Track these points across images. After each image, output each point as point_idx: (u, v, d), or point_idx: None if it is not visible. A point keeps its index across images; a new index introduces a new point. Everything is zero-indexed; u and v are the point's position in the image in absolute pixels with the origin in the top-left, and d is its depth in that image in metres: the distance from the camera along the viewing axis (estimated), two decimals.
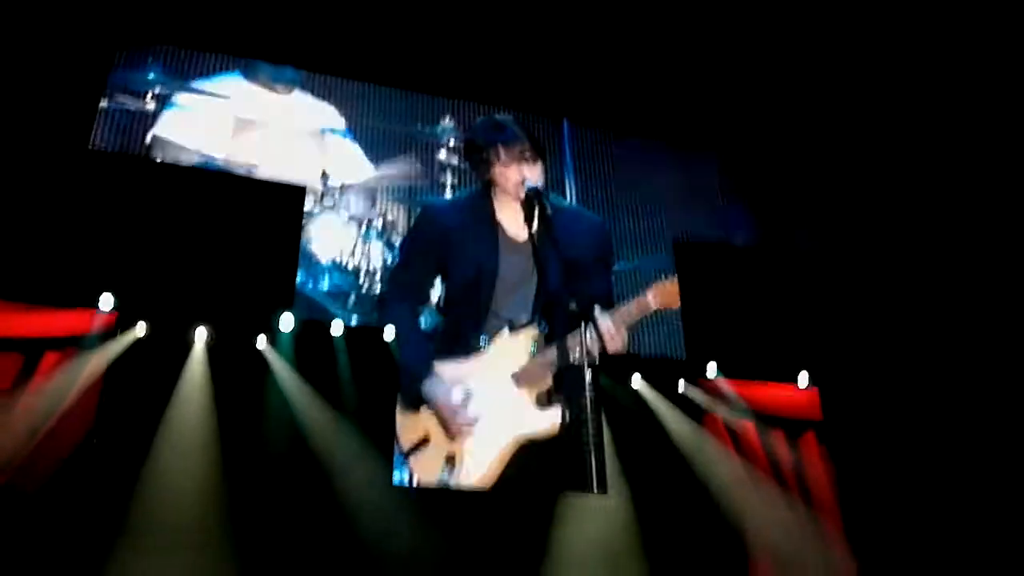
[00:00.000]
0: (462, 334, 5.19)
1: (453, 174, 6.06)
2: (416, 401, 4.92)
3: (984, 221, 6.09)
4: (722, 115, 6.59)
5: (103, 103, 5.42)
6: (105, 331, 4.59)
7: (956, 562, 5.07)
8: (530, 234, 5.29)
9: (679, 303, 5.00)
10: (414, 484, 4.84)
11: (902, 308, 5.95)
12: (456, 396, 4.83)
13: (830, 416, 5.59)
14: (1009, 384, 5.61)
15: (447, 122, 6.19)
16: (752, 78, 6.38)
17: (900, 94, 6.18)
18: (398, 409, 4.93)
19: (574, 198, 6.07)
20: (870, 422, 5.57)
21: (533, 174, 5.36)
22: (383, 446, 4.85)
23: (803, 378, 5.65)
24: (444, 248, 5.35)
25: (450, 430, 4.83)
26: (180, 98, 5.64)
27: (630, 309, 4.96)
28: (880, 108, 6.28)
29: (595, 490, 4.70)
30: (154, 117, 5.52)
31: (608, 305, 5.25)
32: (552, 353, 4.93)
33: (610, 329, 4.81)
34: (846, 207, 6.43)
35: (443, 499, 4.84)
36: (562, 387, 5.11)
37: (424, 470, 4.80)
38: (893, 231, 6.26)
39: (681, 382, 5.57)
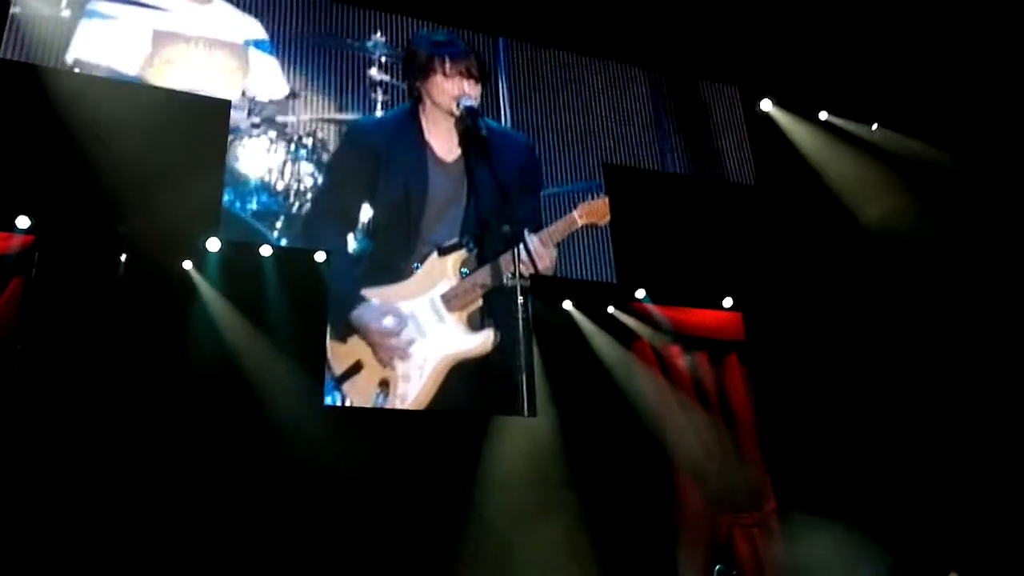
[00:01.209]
0: (391, 258, 5.18)
1: (384, 91, 5.90)
2: (346, 329, 4.93)
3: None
4: (659, 36, 6.52)
5: (14, 8, 5.09)
6: (21, 252, 4.43)
7: (865, 479, 5.37)
8: (461, 155, 5.27)
9: (607, 219, 5.11)
10: (341, 406, 4.88)
11: (821, 235, 6.11)
12: (388, 322, 4.86)
13: (752, 338, 5.78)
14: (925, 304, 5.86)
15: (378, 37, 5.99)
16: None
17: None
18: (329, 336, 4.93)
19: (508, 120, 6.00)
20: (790, 344, 5.78)
21: (473, 92, 5.32)
22: (314, 368, 4.85)
23: (727, 302, 5.81)
24: (372, 169, 5.28)
25: (383, 356, 4.87)
26: (97, 6, 5.33)
27: (557, 227, 5.06)
28: (816, 37, 6.30)
29: (525, 412, 4.85)
30: (70, 25, 5.21)
31: (537, 227, 5.29)
32: (482, 275, 4.98)
33: (538, 248, 4.91)
34: (773, 136, 6.49)
35: (376, 420, 4.90)
36: (493, 310, 5.19)
37: (358, 395, 4.85)
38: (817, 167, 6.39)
39: (610, 307, 5.67)
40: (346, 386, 4.91)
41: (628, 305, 5.67)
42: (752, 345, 5.78)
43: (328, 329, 4.94)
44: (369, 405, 4.90)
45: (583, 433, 5.22)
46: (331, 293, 4.96)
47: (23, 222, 4.46)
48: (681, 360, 5.59)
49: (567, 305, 5.63)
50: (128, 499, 4.35)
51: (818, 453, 5.43)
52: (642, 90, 6.59)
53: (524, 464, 5.02)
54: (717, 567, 4.66)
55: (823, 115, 6.67)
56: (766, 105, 6.65)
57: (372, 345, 4.89)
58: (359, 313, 4.91)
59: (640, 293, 5.66)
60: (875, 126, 6.55)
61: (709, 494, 5.30)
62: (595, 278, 5.86)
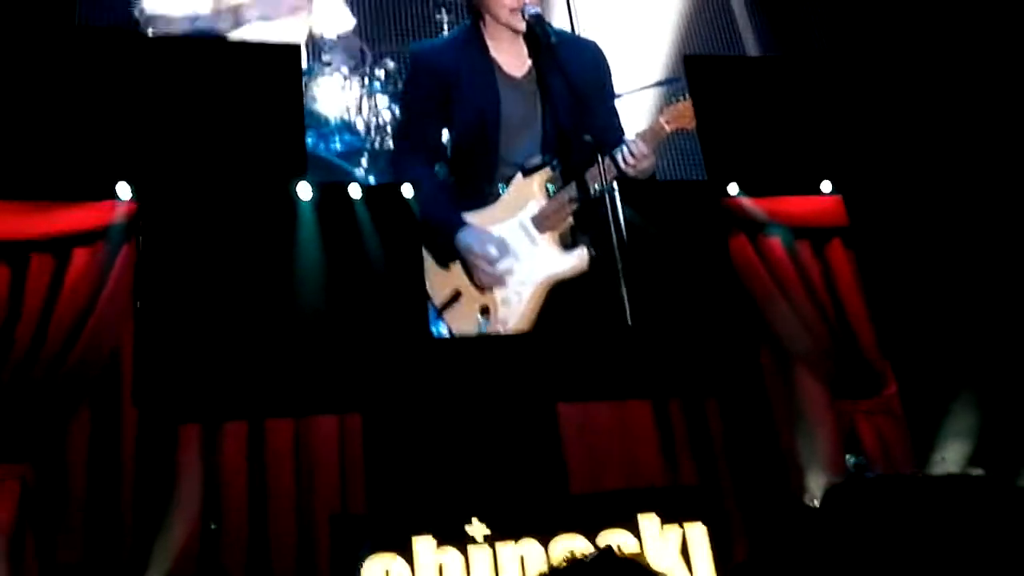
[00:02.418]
0: (475, 184, 5.14)
1: (448, 11, 5.78)
2: (447, 255, 4.96)
3: None
4: None
5: None
6: (128, 220, 4.58)
7: (988, 356, 5.21)
8: (531, 68, 5.11)
9: (694, 123, 4.93)
10: (452, 336, 4.97)
11: (923, 108, 5.78)
12: (491, 248, 4.86)
13: (856, 221, 5.59)
14: None
15: None
16: None
17: None
18: (429, 266, 4.98)
19: (574, 23, 5.80)
20: (898, 223, 5.56)
21: (533, 0, 5.13)
22: (416, 302, 4.93)
23: (826, 186, 5.61)
24: (443, 93, 5.19)
25: (482, 281, 4.89)
26: None
27: (644, 136, 4.89)
28: None
29: (630, 322, 4.83)
30: None
31: (617, 132, 5.15)
32: (570, 191, 4.90)
33: (642, 150, 4.72)
34: (869, 6, 6.11)
35: (483, 347, 4.98)
36: (585, 225, 5.12)
37: (460, 323, 4.91)
38: (913, 29, 5.99)
39: (703, 206, 5.55)
40: (447, 315, 4.97)
41: (721, 201, 5.51)
42: (856, 228, 5.57)
43: (427, 261, 4.98)
44: (473, 332, 4.95)
45: (689, 339, 5.18)
46: (428, 224, 4.98)
47: (124, 190, 4.59)
48: (782, 251, 5.44)
49: (657, 208, 5.51)
50: (246, 445, 4.60)
51: (937, 334, 5.27)
52: None
53: (634, 375, 5.04)
54: (849, 457, 4.61)
55: None
56: None
57: (473, 272, 4.90)
58: (463, 238, 4.91)
59: (733, 188, 5.49)
60: None
61: (827, 382, 5.22)
62: (683, 177, 5.74)
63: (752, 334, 5.35)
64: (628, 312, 4.83)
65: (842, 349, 5.26)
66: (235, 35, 5.43)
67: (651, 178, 5.24)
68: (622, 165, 4.56)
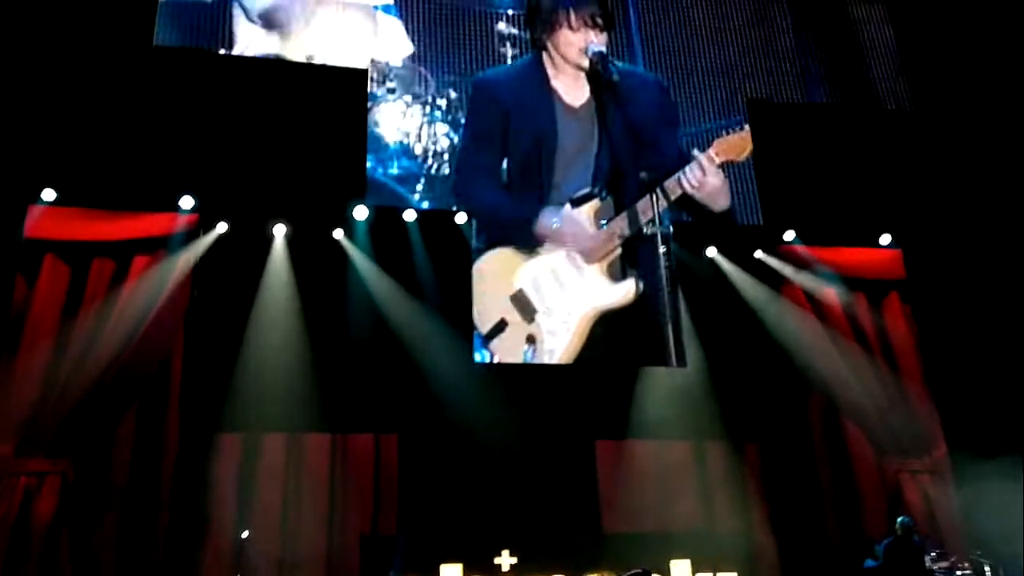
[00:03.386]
0: (528, 210, 5.18)
1: (513, 45, 5.85)
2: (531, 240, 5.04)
3: None
4: None
5: None
6: (189, 231, 4.73)
7: None
8: (590, 99, 5.17)
9: (745, 154, 4.88)
10: (490, 362, 4.98)
11: (984, 165, 5.64)
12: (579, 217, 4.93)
13: (914, 276, 5.46)
14: None
15: None
16: None
17: None
18: (477, 293, 5.01)
19: (641, 61, 5.83)
20: (956, 280, 5.41)
21: (600, 41, 5.20)
22: (463, 326, 4.96)
23: (885, 239, 5.49)
24: (503, 121, 5.27)
25: (574, 247, 4.92)
26: None
27: (692, 168, 4.85)
28: None
29: (674, 363, 4.79)
30: (213, 9, 5.43)
31: (680, 164, 5.13)
32: (620, 223, 4.91)
33: (698, 174, 4.67)
34: (933, 58, 6.01)
35: (526, 374, 4.98)
36: (634, 258, 5.11)
37: (506, 352, 4.92)
38: (980, 84, 5.87)
39: (758, 251, 5.48)
40: (493, 343, 4.98)
41: (777, 248, 5.44)
42: (914, 283, 5.44)
43: (476, 290, 5.02)
44: (518, 361, 4.96)
45: (735, 383, 5.11)
46: (504, 217, 5.08)
47: (187, 202, 4.74)
48: (837, 302, 5.34)
49: (711, 252, 5.47)
50: (296, 454, 4.67)
51: (990, 395, 5.09)
52: (781, 18, 6.25)
53: (676, 415, 4.98)
54: (900, 519, 4.44)
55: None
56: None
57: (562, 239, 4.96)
58: (544, 218, 5.03)
59: (789, 235, 5.42)
60: None
61: (873, 439, 5.08)
62: (740, 221, 5.68)
63: (801, 383, 5.25)
64: (673, 352, 4.81)
65: (893, 406, 5.11)
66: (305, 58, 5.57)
67: (720, 218, 5.17)
68: (687, 186, 4.57)
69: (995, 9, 6.03)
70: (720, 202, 4.91)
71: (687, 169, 4.65)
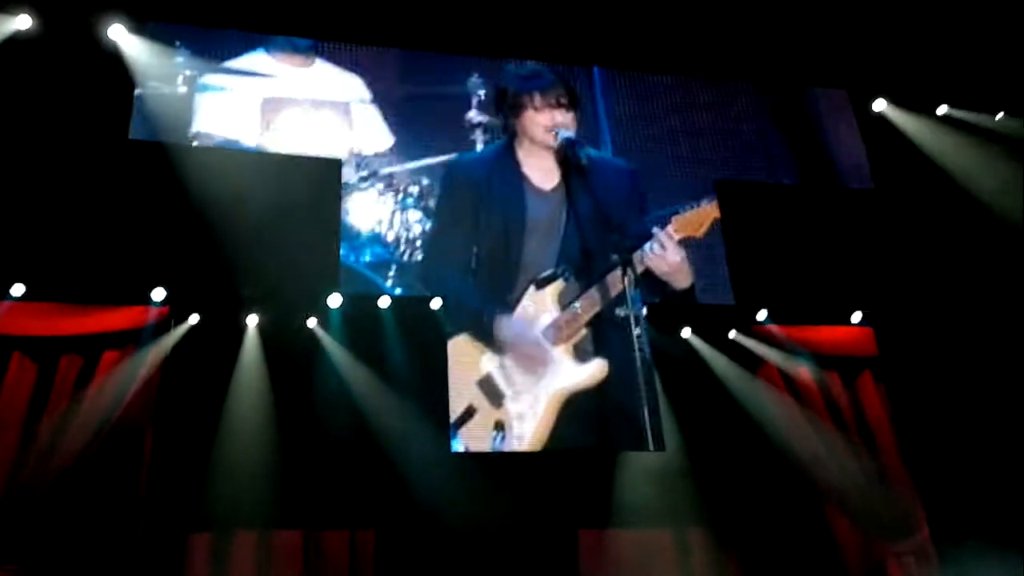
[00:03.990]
0: (497, 293, 5.21)
1: (484, 131, 5.96)
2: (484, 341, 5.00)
3: None
4: (759, 47, 6.34)
5: (137, 90, 5.40)
6: (159, 324, 4.68)
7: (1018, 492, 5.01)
8: (560, 183, 5.25)
9: (703, 230, 4.96)
10: (466, 451, 4.91)
11: (951, 236, 5.77)
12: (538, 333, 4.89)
13: (886, 354, 5.50)
14: None
15: (475, 79, 6.07)
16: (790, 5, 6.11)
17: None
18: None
19: (609, 146, 5.95)
20: (929, 357, 5.46)
21: (566, 121, 5.31)
22: (439, 415, 4.91)
23: (856, 317, 5.55)
24: (474, 205, 5.34)
25: (526, 365, 4.87)
26: (210, 79, 5.60)
27: (652, 246, 4.90)
28: (928, 30, 6.00)
29: (651, 446, 4.74)
30: (187, 101, 5.49)
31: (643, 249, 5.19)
32: (586, 303, 4.93)
33: (661, 247, 4.72)
34: (893, 140, 6.19)
35: (505, 463, 4.91)
36: (602, 338, 5.12)
37: (475, 439, 4.86)
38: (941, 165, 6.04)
39: (732, 331, 5.51)
40: (462, 431, 4.93)
41: (750, 328, 5.48)
42: (886, 361, 5.49)
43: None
44: (487, 447, 4.90)
45: (714, 466, 5.07)
46: (467, 311, 5.07)
47: (158, 295, 4.70)
48: (811, 382, 5.36)
49: (685, 332, 5.49)
50: (268, 553, 4.54)
51: (970, 473, 5.09)
52: (746, 104, 6.42)
53: (656, 502, 4.92)
54: None
55: (942, 109, 6.34)
56: (879, 105, 6.37)
57: (515, 354, 4.93)
58: (506, 323, 4.96)
59: (762, 314, 5.47)
60: (1000, 115, 6.18)
61: (856, 522, 5.04)
62: (712, 301, 5.71)
63: (781, 465, 5.21)
64: (650, 435, 4.76)
65: (873, 486, 5.09)
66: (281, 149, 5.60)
67: (682, 296, 5.23)
68: (648, 262, 4.61)
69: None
70: (681, 281, 4.97)
71: (646, 246, 4.70)
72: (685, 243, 4.91)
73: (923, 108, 6.28)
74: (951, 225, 5.89)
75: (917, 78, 6.31)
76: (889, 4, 5.94)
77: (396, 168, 5.68)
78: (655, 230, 4.77)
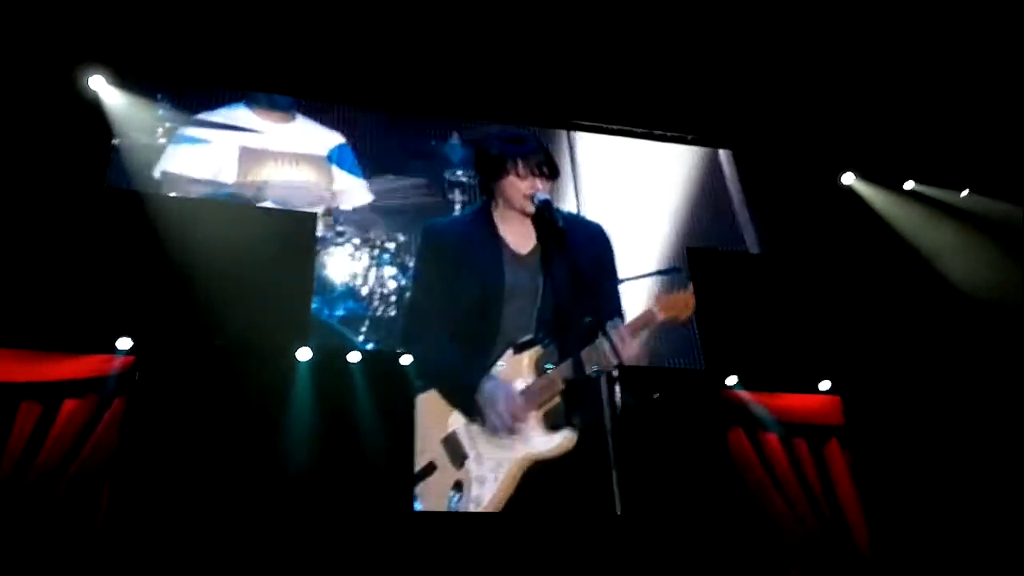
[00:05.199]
0: (475, 357, 5.18)
1: (463, 192, 6.02)
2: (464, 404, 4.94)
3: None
4: (730, 116, 6.51)
5: (115, 141, 5.43)
6: (123, 373, 4.61)
7: (984, 563, 5.01)
8: (535, 247, 5.27)
9: (688, 313, 5.00)
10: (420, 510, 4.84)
11: (918, 308, 5.87)
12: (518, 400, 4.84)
13: (853, 423, 5.53)
14: None
15: (454, 139, 6.16)
16: (758, 74, 6.28)
17: (916, 97, 6.10)
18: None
19: (580, 209, 6.02)
20: (895, 427, 5.51)
21: (545, 188, 5.36)
22: (403, 473, 4.85)
23: (824, 385, 5.60)
24: (451, 267, 5.35)
25: (497, 427, 4.81)
26: (189, 131, 5.65)
27: (636, 321, 4.95)
28: (896, 108, 6.20)
29: (619, 511, 4.68)
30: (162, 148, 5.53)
31: (618, 315, 5.22)
32: (563, 370, 4.91)
33: (622, 337, 4.78)
34: (859, 212, 6.34)
35: (468, 525, 4.84)
36: (574, 406, 5.10)
37: (432, 496, 4.79)
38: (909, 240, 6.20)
39: (700, 397, 5.53)
40: (419, 488, 4.86)
41: (719, 393, 5.49)
42: (853, 429, 5.51)
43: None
44: (443, 506, 4.83)
45: (682, 532, 5.03)
46: (448, 373, 5.03)
47: (124, 343, 4.65)
48: (779, 448, 5.36)
49: (654, 396, 5.49)
50: None
51: (937, 544, 5.09)
52: (716, 170, 6.56)
53: (622, 569, 4.84)
54: None
55: (909, 184, 6.51)
56: (848, 179, 6.53)
57: (489, 415, 4.87)
58: (489, 387, 4.91)
59: (731, 380, 5.49)
60: (965, 192, 6.36)
61: None
62: (683, 366, 5.74)
63: (749, 532, 5.18)
64: (618, 501, 4.71)
65: (839, 554, 5.06)
66: (257, 202, 5.63)
67: (648, 365, 5.27)
68: (604, 358, 4.51)
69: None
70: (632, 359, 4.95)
71: (602, 344, 4.57)
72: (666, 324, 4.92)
73: (890, 183, 6.45)
74: (919, 298, 6.00)
75: (885, 153, 6.49)
76: (859, 80, 6.13)
77: (373, 225, 5.72)
78: (609, 326, 4.75)
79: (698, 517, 5.16)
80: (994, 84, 5.99)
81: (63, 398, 4.42)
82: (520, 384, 4.94)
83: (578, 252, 5.19)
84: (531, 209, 5.09)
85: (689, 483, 5.17)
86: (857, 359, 5.65)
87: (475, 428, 4.88)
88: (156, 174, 5.42)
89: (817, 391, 5.60)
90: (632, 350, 4.79)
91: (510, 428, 4.81)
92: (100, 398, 4.48)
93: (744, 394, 5.49)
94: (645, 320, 4.82)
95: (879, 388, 5.59)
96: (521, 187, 5.13)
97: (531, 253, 5.28)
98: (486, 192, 5.43)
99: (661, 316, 4.76)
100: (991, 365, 5.62)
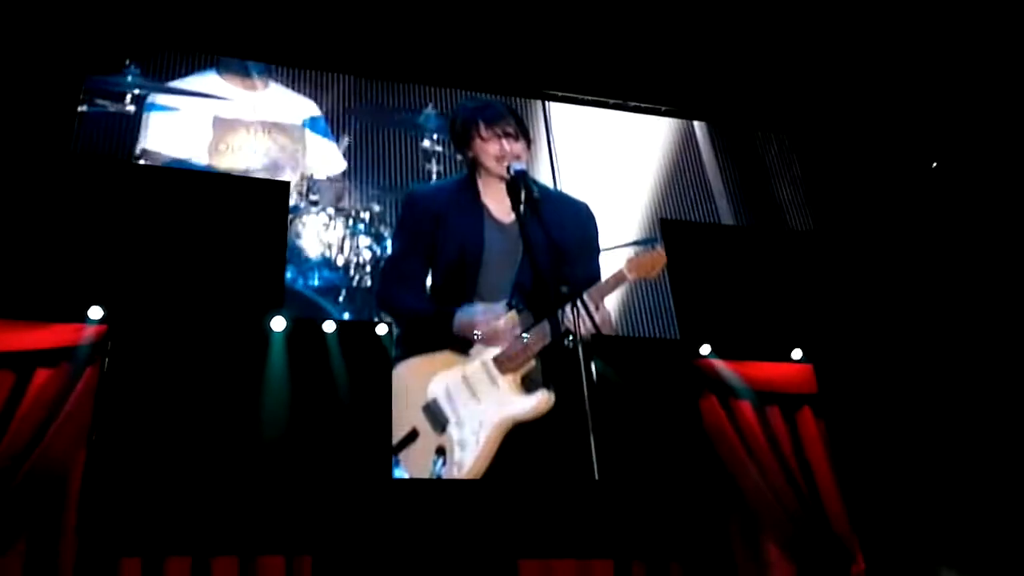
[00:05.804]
0: (449, 316, 5.22)
1: (438, 162, 5.99)
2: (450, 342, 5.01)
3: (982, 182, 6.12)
4: (709, 88, 6.52)
5: (81, 107, 5.32)
6: (95, 342, 4.55)
7: (956, 534, 5.12)
8: (516, 216, 5.29)
9: (656, 271, 5.07)
10: (407, 478, 4.86)
11: (892, 280, 5.96)
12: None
13: (826, 390, 5.61)
14: (1007, 350, 5.65)
15: (430, 109, 6.12)
16: (742, 41, 6.30)
17: (894, 74, 6.16)
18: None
19: (559, 181, 6.03)
20: (866, 394, 5.59)
21: (515, 150, 5.39)
22: (380, 442, 4.85)
23: (796, 354, 5.67)
24: (432, 231, 5.37)
25: (488, 338, 4.85)
26: (159, 99, 5.55)
27: (607, 282, 5.03)
28: (874, 81, 6.25)
29: (596, 476, 4.72)
30: (135, 120, 5.43)
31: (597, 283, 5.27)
32: (536, 335, 4.96)
33: (594, 302, 4.86)
34: (836, 182, 6.40)
35: (446, 490, 4.86)
36: (551, 370, 5.14)
37: (415, 463, 4.82)
38: (884, 204, 6.26)
39: (674, 365, 5.57)
40: (403, 455, 4.89)
41: (693, 361, 5.55)
42: (826, 397, 5.59)
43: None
44: (427, 473, 4.86)
45: (656, 498, 5.08)
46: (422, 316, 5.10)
47: (96, 312, 4.58)
48: (752, 416, 5.43)
49: (629, 364, 5.53)
50: None
51: (907, 508, 5.20)
52: (694, 142, 6.58)
53: (598, 532, 4.89)
54: None
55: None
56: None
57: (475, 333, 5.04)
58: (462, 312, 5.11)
59: (705, 348, 5.55)
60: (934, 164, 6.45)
61: (793, 555, 5.08)
62: (657, 335, 5.78)
63: (721, 498, 5.26)
64: (596, 466, 4.75)
65: (810, 520, 5.15)
66: (230, 170, 5.56)
67: (624, 333, 5.31)
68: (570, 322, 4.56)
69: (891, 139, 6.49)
70: (606, 330, 5.01)
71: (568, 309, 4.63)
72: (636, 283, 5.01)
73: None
74: (891, 266, 6.08)
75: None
76: (828, 49, 6.17)
77: (348, 194, 5.68)
78: (584, 295, 4.80)
79: (672, 484, 5.21)
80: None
81: (35, 367, 4.34)
82: (496, 348, 4.98)
83: (555, 225, 5.19)
84: (504, 172, 5.14)
85: (663, 450, 5.22)
86: (829, 327, 5.72)
87: (456, 393, 4.91)
88: (137, 151, 5.32)
89: (790, 359, 5.65)
90: (604, 314, 4.85)
91: (493, 337, 4.87)
92: (72, 367, 4.40)
93: (717, 363, 5.53)
94: (615, 280, 4.91)
95: (851, 356, 5.66)
96: (490, 150, 5.25)
97: (513, 223, 5.31)
98: (466, 162, 5.51)
99: (631, 276, 4.85)
100: (964, 331, 5.72)
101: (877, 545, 5.16)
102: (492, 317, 4.95)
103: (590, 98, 6.40)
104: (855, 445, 5.45)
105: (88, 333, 4.53)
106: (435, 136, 5.93)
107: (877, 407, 5.54)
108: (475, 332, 4.85)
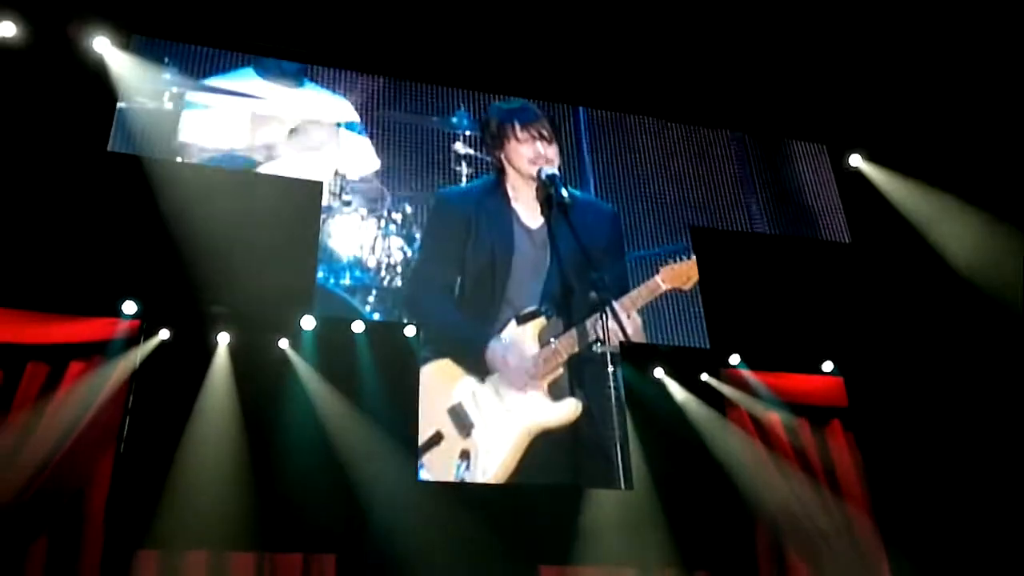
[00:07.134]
0: (478, 325, 5.22)
1: (469, 164, 5.99)
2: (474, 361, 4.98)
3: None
4: (742, 98, 6.46)
5: (120, 104, 5.38)
6: (129, 337, 4.61)
7: (984, 547, 5.03)
8: (545, 221, 5.30)
9: (691, 283, 5.04)
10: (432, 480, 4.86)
11: (925, 295, 5.86)
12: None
13: (856, 404, 5.54)
14: None
15: (462, 111, 6.13)
16: (777, 57, 6.23)
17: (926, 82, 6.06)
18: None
19: (592, 186, 6.01)
20: (896, 408, 5.51)
21: (548, 153, 5.40)
22: (407, 442, 4.86)
23: (827, 366, 5.60)
24: (462, 236, 5.38)
25: (514, 377, 4.86)
26: (197, 97, 5.60)
27: (640, 292, 5.01)
28: (907, 93, 6.16)
29: (621, 485, 4.73)
30: (173, 117, 5.48)
31: (623, 292, 5.26)
32: (565, 342, 4.95)
33: (625, 310, 4.84)
34: (869, 195, 6.31)
35: (470, 494, 4.86)
36: (578, 378, 5.13)
37: (439, 466, 4.82)
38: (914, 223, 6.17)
39: (703, 374, 5.54)
40: (426, 457, 4.89)
41: (722, 371, 5.50)
42: (856, 410, 5.53)
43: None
44: (450, 478, 4.86)
45: (682, 507, 5.05)
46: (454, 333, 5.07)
47: (130, 307, 4.64)
48: (780, 428, 5.37)
49: (658, 373, 5.51)
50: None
51: (937, 524, 5.12)
52: (727, 151, 6.53)
53: (622, 540, 4.88)
54: None
55: None
56: (855, 160, 6.50)
57: (503, 367, 4.97)
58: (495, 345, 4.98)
59: (734, 359, 5.50)
60: None
61: (818, 570, 5.03)
62: (687, 344, 5.74)
63: (748, 508, 5.21)
64: (622, 475, 4.75)
65: (837, 534, 5.09)
66: (266, 168, 5.60)
67: (653, 342, 5.28)
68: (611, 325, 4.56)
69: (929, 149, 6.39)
70: (636, 339, 4.99)
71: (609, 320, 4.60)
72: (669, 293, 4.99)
73: (899, 165, 6.41)
74: (923, 280, 5.99)
75: (893, 135, 6.45)
76: (870, 62, 6.09)
77: (380, 195, 5.69)
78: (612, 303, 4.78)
79: (698, 493, 5.18)
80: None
81: (69, 360, 4.41)
82: (524, 355, 4.97)
83: (584, 230, 5.23)
84: (538, 180, 5.15)
85: (691, 459, 5.18)
86: (860, 340, 5.64)
87: (482, 397, 4.90)
88: (174, 144, 5.37)
89: (820, 372, 5.59)
90: (635, 324, 4.84)
91: (523, 384, 4.86)
92: (106, 360, 4.45)
93: (747, 373, 5.49)
94: (648, 291, 4.88)
95: (882, 369, 5.58)
96: (524, 152, 5.23)
97: (541, 228, 5.32)
98: (496, 164, 5.50)
99: (665, 286, 4.82)
100: (992, 347, 5.62)
101: (905, 559, 5.08)
102: (521, 361, 4.93)
103: (622, 106, 6.35)
104: (884, 459, 5.37)
105: (122, 328, 4.59)
106: (467, 135, 5.93)
107: (907, 422, 5.45)
108: (504, 368, 4.86)
